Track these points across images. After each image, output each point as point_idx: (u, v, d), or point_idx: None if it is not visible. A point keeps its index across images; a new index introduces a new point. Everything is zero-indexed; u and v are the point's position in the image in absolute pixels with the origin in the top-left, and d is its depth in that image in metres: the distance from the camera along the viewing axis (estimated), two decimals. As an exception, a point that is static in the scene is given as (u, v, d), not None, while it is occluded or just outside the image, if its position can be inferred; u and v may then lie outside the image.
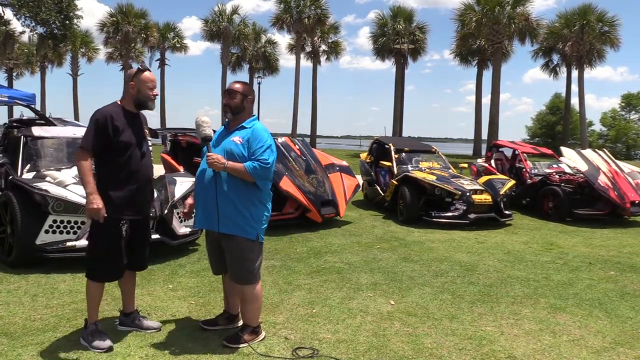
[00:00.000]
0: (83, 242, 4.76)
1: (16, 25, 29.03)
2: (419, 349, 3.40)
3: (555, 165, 10.53)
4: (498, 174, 10.21)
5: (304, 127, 66.55)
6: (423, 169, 9.32)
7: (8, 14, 24.58)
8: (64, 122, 6.73)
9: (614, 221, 8.88)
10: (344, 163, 9.05)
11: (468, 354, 3.36)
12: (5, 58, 35.50)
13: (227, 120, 3.47)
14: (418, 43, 34.33)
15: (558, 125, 49.27)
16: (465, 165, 10.69)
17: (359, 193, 9.70)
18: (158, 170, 8.05)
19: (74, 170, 3.26)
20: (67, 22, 24.05)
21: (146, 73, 3.34)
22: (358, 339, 3.53)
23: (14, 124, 6.31)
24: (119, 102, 3.37)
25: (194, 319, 3.81)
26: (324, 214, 7.60)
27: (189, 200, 3.62)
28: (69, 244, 4.89)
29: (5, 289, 4.35)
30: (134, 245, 3.38)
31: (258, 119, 3.47)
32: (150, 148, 3.57)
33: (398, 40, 33.00)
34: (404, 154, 9.80)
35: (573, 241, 7.34)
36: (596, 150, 10.17)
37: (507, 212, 8.54)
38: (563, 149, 9.92)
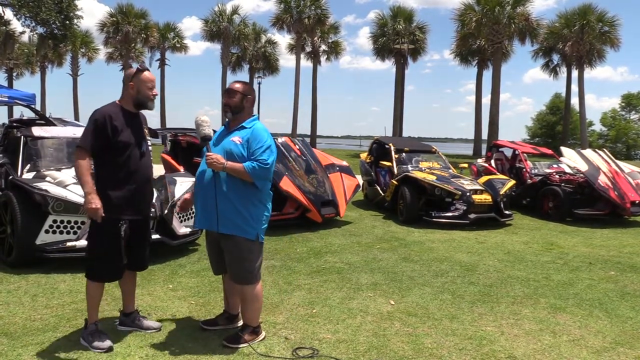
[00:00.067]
0: (83, 242, 4.75)
1: (16, 25, 29.12)
2: (419, 349, 3.40)
3: (555, 165, 10.53)
4: (498, 174, 10.21)
5: (304, 127, 66.65)
6: (423, 169, 9.32)
7: (8, 14, 24.64)
8: (64, 122, 6.73)
9: (614, 221, 8.88)
10: (344, 163, 9.05)
11: (468, 354, 3.36)
12: (5, 58, 35.52)
13: (227, 120, 3.47)
14: (418, 43, 34.35)
15: (558, 125, 49.28)
16: (466, 165, 10.69)
17: (359, 193, 9.70)
18: (158, 170, 8.05)
19: (74, 170, 3.25)
20: (67, 22, 24.07)
21: (146, 73, 3.33)
22: (358, 339, 3.53)
23: (14, 124, 6.31)
24: (117, 102, 3.37)
25: (194, 319, 3.81)
26: (324, 214, 7.60)
27: (186, 195, 3.62)
28: (69, 244, 4.89)
29: (5, 289, 4.35)
30: (134, 245, 3.38)
31: (258, 119, 3.47)
32: (150, 148, 3.56)
33: (398, 40, 33.01)
34: (404, 154, 9.79)
35: (573, 241, 7.34)
36: (596, 150, 10.17)
37: (507, 212, 8.54)
38: (563, 149, 9.92)
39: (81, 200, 4.69)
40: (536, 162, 10.90)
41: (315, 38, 35.11)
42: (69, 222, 4.95)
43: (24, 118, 6.80)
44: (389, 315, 4.03)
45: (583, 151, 9.95)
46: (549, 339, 3.64)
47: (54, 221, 4.89)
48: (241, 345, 3.32)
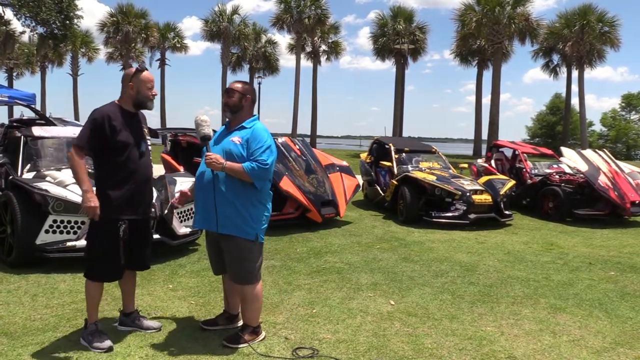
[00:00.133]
0: (83, 242, 4.75)
1: (16, 25, 29.09)
2: (419, 349, 3.40)
3: (555, 166, 10.53)
4: (498, 174, 10.21)
5: (304, 127, 66.68)
6: (423, 169, 9.32)
7: (8, 14, 24.62)
8: (64, 122, 6.73)
9: (614, 221, 8.88)
10: (344, 163, 9.05)
11: (468, 354, 3.36)
12: (5, 58, 35.53)
13: (227, 119, 3.47)
14: (418, 43, 34.35)
15: (558, 126, 49.28)
16: (466, 165, 10.69)
17: (359, 193, 9.70)
18: (158, 170, 8.05)
19: (70, 169, 3.24)
20: (68, 22, 24.06)
21: (145, 73, 3.33)
22: (358, 339, 3.53)
23: (14, 124, 6.31)
24: (116, 102, 3.36)
25: (194, 319, 3.81)
26: (324, 214, 7.60)
27: (183, 189, 3.60)
28: (69, 244, 4.89)
29: (5, 289, 4.35)
30: (134, 245, 3.37)
31: (259, 119, 3.46)
32: (150, 147, 3.56)
33: (398, 41, 33.02)
34: (404, 154, 9.79)
35: (573, 241, 7.34)
36: (596, 150, 10.17)
37: (507, 212, 8.53)
38: (563, 149, 9.92)
39: (81, 200, 4.71)
40: (536, 163, 10.91)
41: (316, 38, 35.12)
42: (69, 222, 4.95)
43: (24, 118, 6.80)
44: (389, 315, 4.03)
45: (583, 151, 9.96)
46: (549, 339, 3.64)
47: (54, 221, 4.90)
48: (241, 345, 3.31)
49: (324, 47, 36.93)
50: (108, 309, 3.92)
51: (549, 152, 11.57)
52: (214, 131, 3.48)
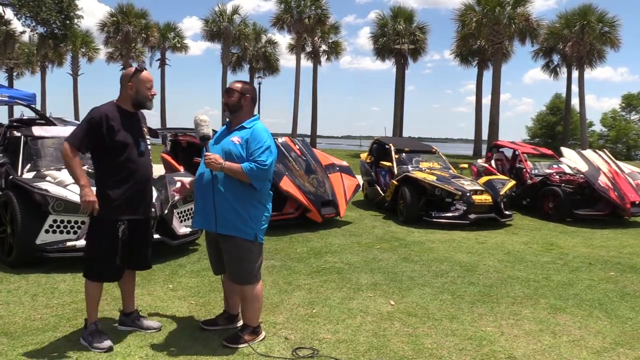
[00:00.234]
0: (83, 242, 4.74)
1: (17, 25, 29.07)
2: (419, 349, 3.40)
3: (555, 166, 10.53)
4: (498, 174, 10.21)
5: (304, 127, 66.77)
6: (423, 169, 9.32)
7: (8, 13, 24.63)
8: (64, 122, 6.73)
9: (614, 222, 8.87)
10: (344, 163, 9.05)
11: (468, 354, 3.36)
12: (5, 58, 35.54)
13: (228, 119, 3.47)
14: (418, 43, 34.35)
15: (558, 126, 49.28)
16: (466, 165, 10.69)
17: (359, 193, 9.70)
18: (158, 170, 8.05)
19: (65, 166, 3.24)
20: (68, 22, 24.06)
21: (144, 73, 3.33)
22: (358, 339, 3.53)
23: (15, 124, 6.31)
24: (115, 102, 3.36)
25: (194, 319, 3.81)
26: (324, 214, 7.60)
27: (184, 179, 3.58)
28: (69, 243, 4.89)
29: (5, 289, 4.35)
30: (135, 245, 3.36)
31: (259, 120, 3.45)
32: (150, 147, 3.55)
33: (398, 41, 33.02)
34: (404, 154, 9.79)
35: (573, 242, 7.34)
36: (596, 150, 10.17)
37: (507, 212, 8.53)
38: (563, 150, 9.92)
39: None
40: (536, 163, 10.91)
41: (316, 38, 35.12)
42: (69, 221, 4.95)
43: (24, 118, 6.81)
44: (389, 315, 4.03)
45: (583, 152, 9.95)
46: (549, 340, 3.64)
47: (54, 221, 4.89)
48: (241, 346, 3.31)
49: (324, 47, 36.94)
50: (108, 309, 3.92)
51: (549, 152, 11.57)
52: (214, 131, 3.48)
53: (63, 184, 5.15)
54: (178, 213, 5.68)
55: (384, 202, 9.27)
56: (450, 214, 8.07)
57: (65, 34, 24.73)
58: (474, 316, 4.07)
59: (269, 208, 3.42)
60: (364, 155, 11.09)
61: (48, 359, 3.11)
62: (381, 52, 34.65)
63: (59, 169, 5.61)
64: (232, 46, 37.27)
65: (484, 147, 31.01)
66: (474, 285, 4.94)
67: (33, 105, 9.75)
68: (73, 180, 5.05)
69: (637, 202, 8.76)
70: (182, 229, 5.61)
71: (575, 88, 33.23)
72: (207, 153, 3.21)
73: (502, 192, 8.47)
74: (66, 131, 6.12)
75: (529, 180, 9.98)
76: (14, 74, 42.24)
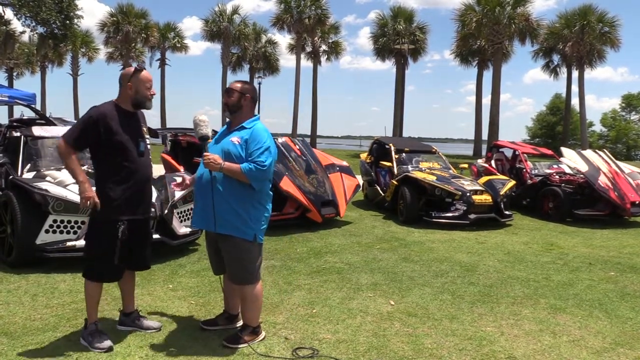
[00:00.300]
0: (83, 242, 4.73)
1: (17, 25, 29.07)
2: (419, 349, 3.40)
3: (555, 166, 10.53)
4: (498, 174, 10.22)
5: (304, 127, 66.85)
6: (423, 169, 9.32)
7: (8, 13, 24.64)
8: (64, 122, 6.73)
9: (614, 222, 8.88)
10: (344, 163, 9.05)
11: (468, 354, 3.36)
12: (5, 58, 35.54)
13: (228, 119, 3.47)
14: (418, 43, 34.35)
15: (558, 126, 49.28)
16: (466, 165, 10.69)
17: (359, 193, 9.70)
18: (158, 170, 8.05)
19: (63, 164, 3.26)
20: (68, 22, 24.07)
21: (144, 73, 3.32)
22: (358, 339, 3.53)
23: (15, 124, 6.31)
24: (114, 101, 3.35)
25: (194, 319, 3.81)
26: (324, 214, 7.60)
27: (187, 176, 3.58)
28: (69, 243, 4.89)
29: (5, 289, 4.35)
30: (134, 245, 3.36)
31: (259, 120, 3.45)
32: (149, 147, 3.55)
33: (398, 41, 33.02)
34: (404, 154, 9.80)
35: (573, 242, 7.34)
36: (596, 150, 10.17)
37: (507, 212, 8.53)
38: (563, 150, 9.93)
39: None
40: (536, 163, 10.91)
41: (316, 38, 35.12)
42: (69, 221, 4.95)
43: (24, 118, 6.81)
44: (389, 315, 4.03)
45: (583, 152, 9.96)
46: (549, 340, 3.64)
47: (54, 221, 4.89)
48: (241, 346, 3.31)
49: (324, 47, 36.94)
50: (108, 309, 3.92)
51: (549, 152, 11.57)
52: (214, 131, 3.48)
53: (63, 184, 5.15)
54: (178, 213, 5.69)
55: (384, 202, 9.27)
56: (450, 214, 8.07)
57: (65, 34, 24.74)
58: (474, 316, 4.07)
59: (269, 208, 3.41)
60: (364, 155, 11.09)
61: (48, 359, 3.11)
62: (381, 52, 34.65)
63: (59, 169, 5.61)
64: (232, 46, 37.28)
65: (484, 147, 31.02)
66: (474, 285, 4.94)
67: (33, 105, 9.76)
68: (73, 180, 5.09)
69: (637, 202, 8.77)
70: (182, 229, 5.62)
71: (575, 88, 33.28)
72: (206, 153, 3.20)
73: (502, 192, 8.48)
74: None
75: (529, 180, 9.98)
76: (14, 74, 42.25)
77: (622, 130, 54.49)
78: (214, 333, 3.54)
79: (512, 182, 9.09)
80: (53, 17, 23.11)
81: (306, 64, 39.01)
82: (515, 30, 28.60)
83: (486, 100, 34.65)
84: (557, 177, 9.73)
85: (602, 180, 8.82)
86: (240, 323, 3.59)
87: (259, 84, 38.18)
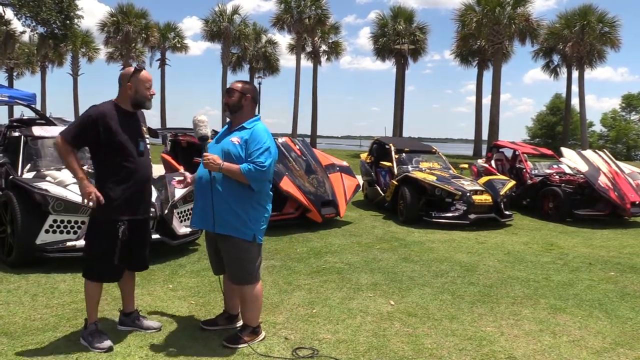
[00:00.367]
0: (83, 242, 4.74)
1: (17, 25, 29.09)
2: (419, 350, 3.40)
3: (555, 166, 10.54)
4: (498, 174, 10.21)
5: (304, 127, 66.98)
6: (423, 169, 9.32)
7: (9, 13, 24.64)
8: (65, 122, 6.73)
9: (614, 222, 8.87)
10: (344, 163, 9.05)
11: (468, 354, 3.36)
12: (5, 58, 35.55)
13: (229, 120, 3.47)
14: (418, 43, 34.35)
15: (558, 126, 49.28)
16: (466, 165, 10.69)
17: (359, 193, 9.70)
18: (158, 170, 8.05)
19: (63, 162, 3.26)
20: (68, 22, 24.07)
21: (143, 73, 3.32)
22: (358, 339, 3.53)
23: (15, 124, 6.31)
24: (114, 101, 3.35)
25: (194, 319, 3.81)
26: (324, 214, 7.60)
27: (188, 174, 3.57)
28: (69, 243, 4.89)
29: (5, 289, 4.35)
30: (134, 245, 3.36)
31: (260, 120, 3.45)
32: (149, 147, 3.55)
33: (398, 41, 33.02)
34: (404, 154, 9.80)
35: (573, 242, 7.34)
36: (596, 150, 10.17)
37: (507, 212, 8.53)
38: (563, 150, 9.93)
39: (81, 199, 4.70)
40: (536, 163, 10.91)
41: (316, 38, 35.12)
42: (69, 221, 4.95)
43: (24, 118, 6.81)
44: (389, 315, 4.03)
45: (583, 152, 9.95)
46: (549, 340, 3.64)
47: (54, 221, 4.89)
48: (241, 346, 3.31)
49: (324, 47, 36.94)
50: (108, 309, 3.92)
51: (549, 152, 11.57)
52: (214, 131, 3.48)
53: (63, 184, 5.15)
54: (178, 213, 5.69)
55: (384, 202, 9.27)
56: (450, 214, 8.07)
57: (65, 34, 24.73)
58: (474, 316, 4.07)
59: (269, 209, 3.40)
60: (364, 155, 11.09)
61: (48, 359, 3.11)
62: (381, 52, 34.65)
63: (59, 169, 5.61)
64: (232, 46, 37.29)
65: (484, 147, 31.02)
66: (474, 285, 4.94)
67: (33, 105, 9.76)
68: (73, 180, 5.10)
69: (637, 202, 8.76)
70: (182, 229, 5.61)
71: (575, 88, 33.27)
72: (205, 154, 3.20)
73: (502, 192, 8.48)
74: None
75: (529, 181, 9.98)
76: (14, 74, 42.26)
77: (622, 131, 54.50)
78: (214, 333, 3.54)
79: (512, 182, 9.09)
80: (53, 17, 23.11)
81: (306, 64, 39.08)
82: (515, 30, 28.61)
83: (486, 100, 34.70)
84: (557, 177, 9.73)
85: (602, 181, 8.82)
86: (240, 323, 3.59)
87: (259, 84, 38.20)
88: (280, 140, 8.36)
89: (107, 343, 3.22)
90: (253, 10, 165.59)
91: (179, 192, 5.61)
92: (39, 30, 24.69)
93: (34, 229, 4.84)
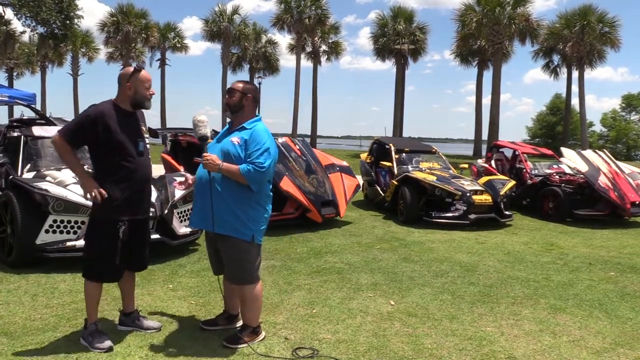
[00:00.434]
0: (83, 242, 4.74)
1: (17, 25, 29.10)
2: (419, 350, 3.40)
3: (555, 166, 10.53)
4: (498, 174, 10.21)
5: (304, 127, 66.99)
6: (423, 169, 9.32)
7: (9, 13, 24.65)
8: (65, 122, 6.73)
9: (614, 222, 8.87)
10: (344, 163, 9.05)
11: (468, 354, 3.36)
12: (5, 58, 35.55)
13: (230, 120, 3.46)
14: (418, 43, 34.36)
15: (558, 126, 49.29)
16: (466, 165, 10.69)
17: (359, 193, 9.70)
18: (158, 170, 8.05)
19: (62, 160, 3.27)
20: (68, 22, 24.08)
21: (143, 72, 3.31)
22: (358, 339, 3.53)
23: (15, 124, 6.31)
24: (113, 101, 3.35)
25: (194, 319, 3.81)
26: (324, 214, 7.60)
27: (189, 175, 3.57)
28: (69, 243, 4.89)
29: (5, 289, 4.35)
30: (133, 246, 3.36)
31: (261, 120, 3.44)
32: (149, 147, 3.54)
33: (398, 41, 33.02)
34: (404, 154, 9.80)
35: (573, 242, 7.34)
36: (596, 150, 10.17)
37: (507, 212, 8.53)
38: (563, 150, 9.92)
39: (81, 199, 4.70)
40: (536, 163, 10.91)
41: (316, 38, 35.12)
42: (69, 221, 4.95)
43: (24, 118, 6.80)
44: (389, 315, 4.03)
45: (583, 152, 9.95)
46: (549, 340, 3.64)
47: (54, 221, 4.89)
48: (241, 346, 3.31)
49: (324, 47, 36.95)
50: (108, 309, 3.92)
51: (549, 152, 11.57)
52: (214, 131, 3.48)
53: (63, 184, 5.14)
54: (178, 213, 5.68)
55: (384, 202, 9.27)
56: (450, 214, 8.07)
57: (65, 34, 24.75)
58: (474, 316, 4.07)
59: (268, 209, 3.40)
60: (364, 155, 11.09)
61: (48, 359, 3.11)
62: (381, 52, 34.66)
63: (59, 169, 5.61)
64: (232, 46, 37.30)
65: (484, 147, 31.02)
66: (474, 285, 4.94)
67: (33, 105, 9.76)
68: (73, 180, 5.11)
69: (637, 202, 8.76)
70: (182, 229, 5.62)
71: (575, 88, 33.29)
72: (205, 154, 3.20)
73: (502, 192, 8.48)
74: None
75: (529, 181, 9.98)
76: (14, 74, 42.25)
77: (622, 131, 54.50)
78: (214, 333, 3.54)
79: (512, 182, 9.09)
80: (53, 17, 23.12)
81: (306, 64, 39.09)
82: (515, 30, 28.61)
83: (486, 100, 34.73)
84: (557, 177, 9.73)
85: (602, 181, 8.82)
86: (240, 323, 3.59)
87: (259, 84, 38.16)
88: (280, 140, 8.36)
89: (107, 343, 3.22)
90: (253, 10, 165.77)
91: (179, 192, 5.61)
92: (39, 30, 24.73)
93: (34, 229, 4.84)
